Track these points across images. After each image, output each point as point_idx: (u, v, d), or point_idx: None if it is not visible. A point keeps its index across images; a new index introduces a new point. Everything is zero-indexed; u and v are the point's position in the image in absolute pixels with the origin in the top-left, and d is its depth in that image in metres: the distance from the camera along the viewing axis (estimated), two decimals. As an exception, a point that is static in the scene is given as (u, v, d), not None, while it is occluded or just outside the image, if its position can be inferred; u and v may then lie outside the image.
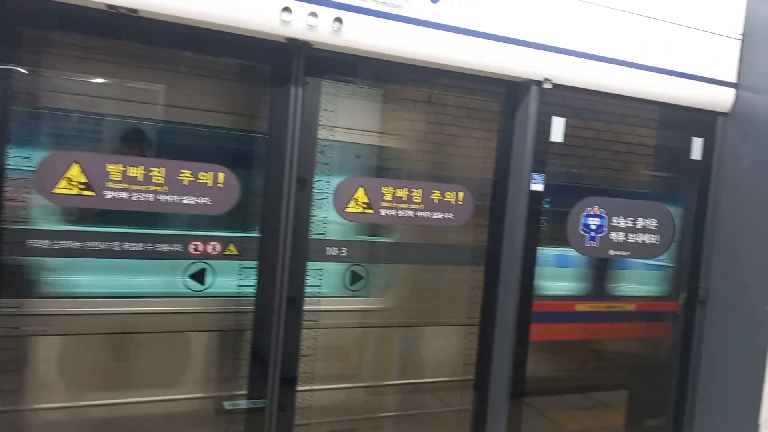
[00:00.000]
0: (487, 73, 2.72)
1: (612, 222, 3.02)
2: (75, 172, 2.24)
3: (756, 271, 2.77)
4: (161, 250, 2.43)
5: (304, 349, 2.74)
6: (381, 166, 3.43)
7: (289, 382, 2.71)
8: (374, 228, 3.20)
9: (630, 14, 2.91)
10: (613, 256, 3.04)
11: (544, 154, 2.88)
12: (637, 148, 3.47)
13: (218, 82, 2.77)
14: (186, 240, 2.46)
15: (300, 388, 2.78)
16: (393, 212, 2.71)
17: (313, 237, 2.68)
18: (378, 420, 3.39)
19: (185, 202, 2.37)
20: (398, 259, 3.19)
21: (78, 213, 2.62)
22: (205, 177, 2.39)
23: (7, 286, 2.35)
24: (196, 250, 2.48)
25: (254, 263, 2.60)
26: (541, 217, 2.90)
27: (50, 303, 2.64)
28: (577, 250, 3.02)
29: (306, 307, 2.69)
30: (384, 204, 2.70)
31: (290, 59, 2.44)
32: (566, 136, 2.96)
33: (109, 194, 2.27)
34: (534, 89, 2.78)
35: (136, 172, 2.31)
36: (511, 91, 2.88)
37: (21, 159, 2.27)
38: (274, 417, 2.58)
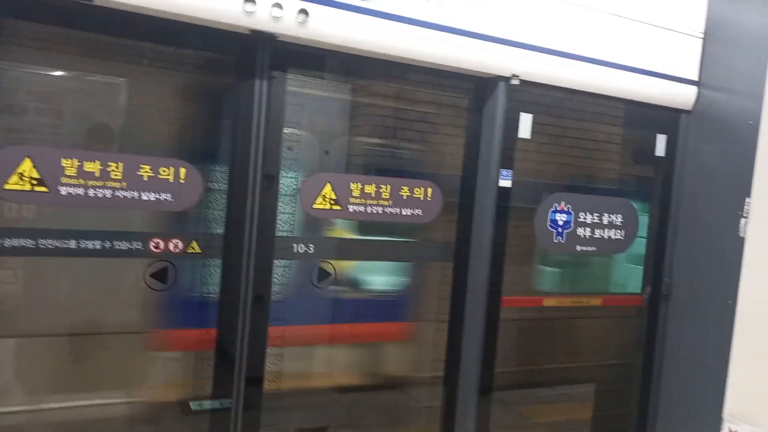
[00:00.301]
0: (455, 69, 2.71)
1: (578, 218, 3.05)
2: (27, 167, 2.14)
3: (716, 265, 2.83)
4: (120, 248, 2.35)
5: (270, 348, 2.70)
6: (350, 162, 3.40)
7: (255, 381, 2.66)
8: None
9: (596, 11, 2.93)
10: (579, 252, 3.07)
11: (512, 150, 2.89)
12: (603, 145, 3.51)
13: (182, 75, 2.69)
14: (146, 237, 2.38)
15: (267, 387, 2.73)
16: (361, 208, 2.68)
17: (279, 234, 2.63)
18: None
19: (145, 198, 2.29)
20: (367, 255, 3.16)
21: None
22: (166, 172, 2.32)
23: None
24: (156, 248, 2.40)
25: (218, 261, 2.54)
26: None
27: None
28: (544, 246, 3.04)
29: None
30: (352, 200, 2.66)
31: (254, 52, 2.38)
32: (534, 132, 2.97)
33: (64, 190, 2.18)
34: (502, 85, 2.78)
35: (92, 167, 2.22)
36: (479, 87, 2.87)
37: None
38: (240, 417, 2.53)
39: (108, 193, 2.24)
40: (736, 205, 2.58)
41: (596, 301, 3.34)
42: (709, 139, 3.09)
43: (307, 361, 3.35)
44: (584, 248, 3.07)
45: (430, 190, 2.79)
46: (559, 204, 3.01)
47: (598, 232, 3.10)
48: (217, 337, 2.59)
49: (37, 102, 2.60)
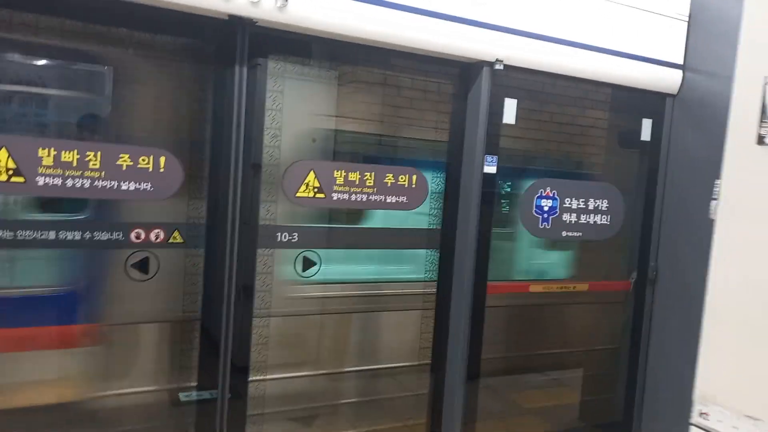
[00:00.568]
0: (440, 54, 2.68)
1: (564, 203, 3.05)
2: (3, 157, 2.11)
3: (699, 249, 2.83)
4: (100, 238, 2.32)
5: (256, 336, 2.69)
6: (335, 150, 3.38)
7: (240, 371, 2.65)
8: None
9: (581, -5, 2.91)
10: (565, 237, 3.07)
11: (497, 136, 2.87)
12: (590, 129, 3.50)
13: (160, 63, 2.65)
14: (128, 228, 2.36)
15: (252, 377, 2.72)
16: (345, 196, 2.66)
17: (262, 223, 2.61)
18: (335, 407, 3.36)
19: (124, 188, 2.26)
20: (352, 243, 3.15)
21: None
22: (146, 161, 2.29)
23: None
24: (138, 238, 2.38)
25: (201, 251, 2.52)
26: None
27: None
28: (530, 232, 3.04)
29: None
30: (336, 188, 2.64)
31: (233, 37, 2.34)
32: (519, 118, 2.96)
33: (41, 180, 2.15)
34: (486, 70, 2.76)
35: (70, 156, 2.19)
36: (464, 73, 2.85)
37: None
38: (226, 407, 2.52)
39: (86, 182, 2.21)
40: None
41: (583, 287, 3.35)
42: (693, 123, 3.08)
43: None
44: (570, 233, 3.07)
45: (414, 177, 2.78)
46: (545, 189, 3.00)
47: (584, 218, 3.10)
48: (201, 327, 2.58)
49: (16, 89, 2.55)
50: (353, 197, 2.67)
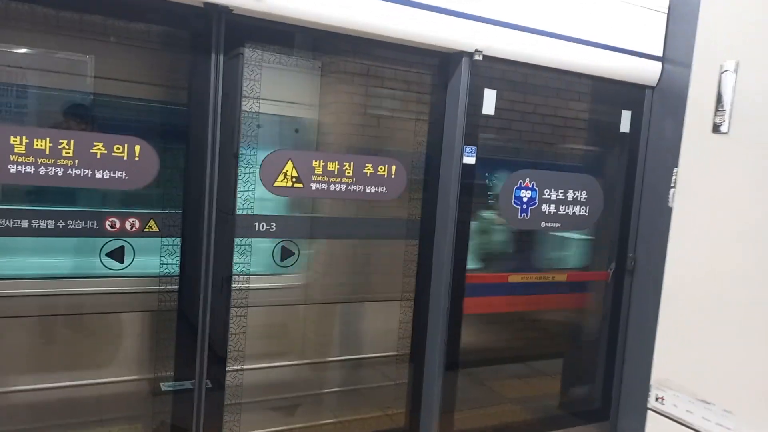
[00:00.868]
0: (419, 44, 2.67)
1: (543, 194, 3.06)
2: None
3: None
4: (74, 227, 2.30)
5: (233, 326, 2.69)
6: (310, 140, 3.37)
7: (218, 361, 2.65)
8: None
9: (561, -14, 2.91)
10: (544, 228, 3.09)
11: (476, 127, 2.87)
12: (569, 121, 3.52)
13: (134, 50, 2.62)
14: (101, 216, 2.34)
15: (230, 367, 2.72)
16: (324, 186, 2.66)
17: (240, 212, 2.60)
18: (316, 396, 3.38)
19: (98, 176, 2.24)
20: (330, 233, 3.15)
21: None
22: (120, 150, 2.27)
23: None
24: (112, 227, 2.36)
25: (177, 240, 2.51)
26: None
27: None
28: (509, 223, 3.05)
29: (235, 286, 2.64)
30: (315, 178, 2.64)
31: (209, 25, 2.32)
32: (499, 109, 2.96)
33: (13, 168, 2.13)
34: (465, 60, 2.76)
35: (42, 144, 2.16)
36: (443, 63, 2.84)
37: None
38: (203, 397, 2.52)
39: (59, 171, 2.19)
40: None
41: (561, 277, 3.38)
42: (670, 114, 3.11)
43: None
44: (548, 224, 3.09)
45: (394, 167, 2.78)
46: (524, 181, 3.01)
47: (562, 209, 3.12)
48: (177, 318, 2.57)
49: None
50: (332, 187, 2.67)
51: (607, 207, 3.26)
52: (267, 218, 2.66)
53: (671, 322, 1.60)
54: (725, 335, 1.48)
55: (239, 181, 2.61)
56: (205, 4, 2.26)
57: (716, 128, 1.50)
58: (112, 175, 2.26)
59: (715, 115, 1.47)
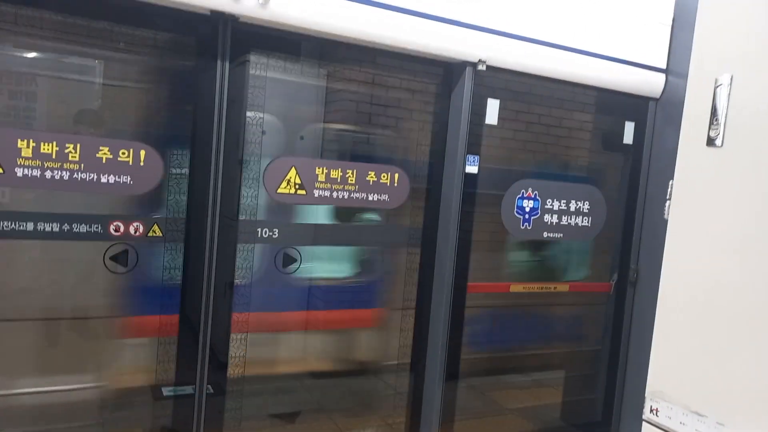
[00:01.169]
0: (423, 53, 2.69)
1: (546, 204, 3.06)
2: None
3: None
4: (78, 231, 2.32)
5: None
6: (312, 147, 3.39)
7: (219, 367, 2.66)
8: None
9: (566, -2, 2.93)
10: (547, 239, 3.09)
11: (479, 136, 2.89)
12: (572, 132, 3.52)
13: (141, 58, 2.65)
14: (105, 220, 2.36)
15: (231, 373, 2.73)
16: (327, 193, 2.67)
17: (242, 218, 2.62)
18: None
19: (104, 181, 2.27)
20: (334, 240, 3.16)
21: None
22: (125, 155, 2.29)
23: None
24: (116, 231, 2.38)
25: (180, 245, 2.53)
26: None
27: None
28: (511, 233, 3.06)
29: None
30: (318, 185, 2.66)
31: (215, 33, 2.35)
32: (502, 119, 2.97)
33: (20, 172, 2.16)
34: (469, 70, 2.77)
35: (48, 148, 2.19)
36: (447, 73, 2.86)
37: None
38: (204, 402, 2.53)
39: (65, 175, 2.21)
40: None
41: (564, 288, 3.37)
42: (673, 126, 3.11)
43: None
44: (551, 234, 3.09)
45: (397, 175, 2.79)
46: (527, 190, 3.02)
47: (565, 219, 3.12)
48: (179, 322, 2.58)
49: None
50: (335, 194, 2.68)
51: (609, 218, 3.26)
52: (269, 224, 2.68)
53: (666, 333, 1.60)
54: (719, 348, 1.48)
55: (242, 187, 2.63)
56: (212, 12, 2.29)
57: (711, 141, 1.51)
58: (117, 179, 2.29)
59: (710, 128, 1.48)
